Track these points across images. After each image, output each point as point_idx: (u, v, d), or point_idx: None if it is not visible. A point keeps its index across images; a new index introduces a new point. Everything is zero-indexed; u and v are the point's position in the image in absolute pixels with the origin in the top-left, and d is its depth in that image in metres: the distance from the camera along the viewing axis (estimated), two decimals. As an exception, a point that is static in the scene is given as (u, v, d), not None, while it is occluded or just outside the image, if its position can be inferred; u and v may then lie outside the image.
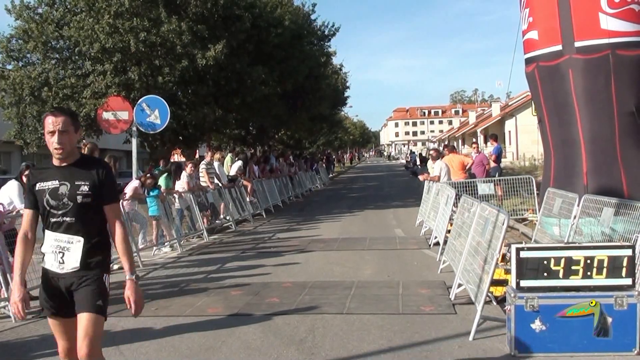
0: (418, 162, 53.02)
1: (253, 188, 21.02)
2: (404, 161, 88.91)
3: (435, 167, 15.56)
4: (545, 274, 5.91)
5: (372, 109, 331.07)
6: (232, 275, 10.81)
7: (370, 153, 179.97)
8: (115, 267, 11.78)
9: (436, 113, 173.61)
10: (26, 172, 8.83)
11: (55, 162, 4.34)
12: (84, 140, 16.45)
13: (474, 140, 34.47)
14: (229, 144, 32.81)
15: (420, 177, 17.39)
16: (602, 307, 5.79)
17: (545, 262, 5.92)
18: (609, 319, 5.80)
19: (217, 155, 19.60)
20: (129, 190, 13.64)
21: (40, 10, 19.11)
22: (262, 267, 11.38)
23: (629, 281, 5.85)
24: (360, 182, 45.81)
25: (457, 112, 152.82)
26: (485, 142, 59.13)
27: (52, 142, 4.26)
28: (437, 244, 11.88)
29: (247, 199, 20.15)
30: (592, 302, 5.80)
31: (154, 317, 7.93)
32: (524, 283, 5.94)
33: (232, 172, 20.32)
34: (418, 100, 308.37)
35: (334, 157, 70.81)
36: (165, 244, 14.22)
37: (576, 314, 5.82)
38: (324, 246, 13.73)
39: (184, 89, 19.88)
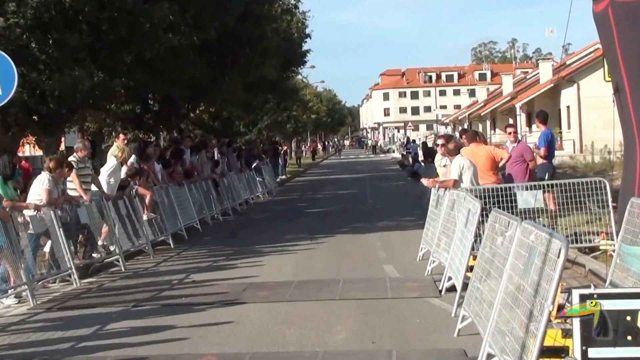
0: (421, 157, 53.39)
1: (153, 199, 20.87)
2: (397, 155, 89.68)
3: (453, 166, 15.57)
4: (629, 338, 5.92)
5: (347, 71, 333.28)
6: (119, 343, 10.69)
7: (346, 142, 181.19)
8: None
9: (449, 78, 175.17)
10: None
11: None
12: None
13: (511, 122, 34.77)
14: (115, 127, 32.58)
15: (425, 182, 17.43)
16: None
17: (629, 317, 5.95)
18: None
19: (117, 148, 19.52)
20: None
21: None
22: (167, 330, 11.32)
23: None
24: (329, 188, 45.98)
25: (482, 77, 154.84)
26: (529, 124, 59.90)
27: None
28: (453, 289, 11.92)
29: (145, 218, 20.00)
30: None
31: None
32: (594, 353, 5.93)
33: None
34: (420, 60, 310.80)
35: (284, 148, 71.03)
36: (9, 292, 14.00)
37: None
38: (269, 295, 13.72)
39: (42, 37, 19.64)
